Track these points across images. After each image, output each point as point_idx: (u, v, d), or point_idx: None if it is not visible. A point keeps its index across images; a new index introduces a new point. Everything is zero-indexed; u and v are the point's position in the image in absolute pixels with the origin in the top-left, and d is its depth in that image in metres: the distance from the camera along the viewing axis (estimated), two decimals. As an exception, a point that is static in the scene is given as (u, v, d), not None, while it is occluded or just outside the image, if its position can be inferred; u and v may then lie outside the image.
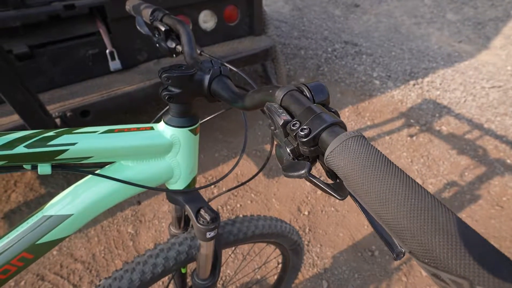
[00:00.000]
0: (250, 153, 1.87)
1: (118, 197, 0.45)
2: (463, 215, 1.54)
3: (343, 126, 0.26)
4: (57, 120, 1.21)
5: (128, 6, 0.65)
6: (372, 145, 0.23)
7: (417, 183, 0.21)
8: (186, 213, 0.61)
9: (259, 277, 1.29)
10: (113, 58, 1.41)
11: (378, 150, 0.23)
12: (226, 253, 1.35)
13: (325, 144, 0.25)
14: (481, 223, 1.50)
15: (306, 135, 0.26)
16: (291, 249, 0.89)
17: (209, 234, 0.51)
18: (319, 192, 1.64)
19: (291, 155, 0.28)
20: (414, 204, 0.19)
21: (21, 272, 1.29)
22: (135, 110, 2.13)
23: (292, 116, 0.29)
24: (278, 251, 0.95)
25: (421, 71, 2.63)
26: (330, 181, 0.28)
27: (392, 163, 0.22)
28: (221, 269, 1.31)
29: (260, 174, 1.74)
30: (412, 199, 0.19)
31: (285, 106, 0.30)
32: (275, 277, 1.08)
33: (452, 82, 2.50)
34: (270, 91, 0.32)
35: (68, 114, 1.23)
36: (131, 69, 1.50)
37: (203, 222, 0.50)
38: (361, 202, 0.22)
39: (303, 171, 0.25)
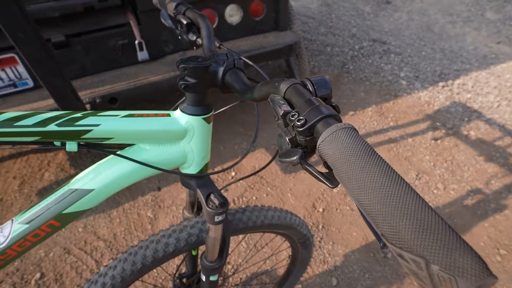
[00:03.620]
0: (269, 147, 1.89)
1: (136, 177, 0.49)
2: (485, 224, 1.48)
3: (338, 119, 0.28)
4: (88, 106, 1.29)
5: (155, 0, 0.69)
6: (361, 137, 0.25)
7: (397, 174, 0.22)
8: (197, 197, 0.64)
9: (269, 268, 1.32)
10: (141, 49, 1.48)
11: (366, 142, 0.24)
12: (239, 243, 1.39)
13: (318, 134, 0.27)
14: (505, 234, 1.43)
15: (302, 125, 0.28)
16: (300, 242, 0.90)
17: (217, 218, 0.54)
18: (336, 190, 1.64)
19: (289, 144, 0.30)
20: (388, 191, 0.21)
21: (51, 245, 1.40)
22: (160, 100, 2.20)
23: (293, 108, 0.31)
24: (288, 244, 0.97)
25: (452, 72, 2.52)
26: (326, 171, 0.30)
27: (377, 154, 0.23)
28: (235, 258, 1.35)
29: (278, 169, 1.76)
30: (388, 186, 0.21)
31: (288, 98, 0.32)
32: (285, 269, 1.10)
33: (486, 85, 2.38)
34: (276, 83, 0.34)
35: (98, 100, 1.30)
36: (157, 60, 1.56)
37: (212, 206, 0.53)
38: (346, 189, 0.24)
39: (295, 158, 0.27)
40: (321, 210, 1.55)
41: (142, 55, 1.50)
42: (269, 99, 0.34)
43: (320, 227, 1.48)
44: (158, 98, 2.19)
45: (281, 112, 0.30)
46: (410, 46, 2.87)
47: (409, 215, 0.19)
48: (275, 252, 1.35)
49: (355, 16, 3.47)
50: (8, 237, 0.45)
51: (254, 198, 1.62)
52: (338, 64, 2.65)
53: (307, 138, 0.28)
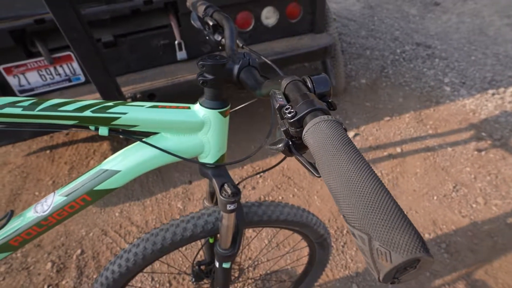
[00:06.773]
0: (298, 149, 1.89)
1: (157, 163, 0.54)
2: (531, 246, 1.35)
3: (326, 112, 0.29)
4: (129, 100, 1.41)
5: (188, 3, 0.74)
6: (341, 129, 0.26)
7: (364, 162, 0.24)
8: (213, 186, 0.68)
9: (288, 266, 1.33)
10: (180, 49, 1.57)
11: (344, 134, 0.26)
12: (262, 241, 1.42)
13: (306, 125, 0.29)
14: (553, 257, 1.30)
15: (292, 117, 0.30)
16: (317, 242, 0.91)
17: (229, 207, 0.57)
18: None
19: (283, 135, 0.33)
20: (351, 176, 0.22)
21: (91, 225, 1.54)
22: (197, 97, 2.30)
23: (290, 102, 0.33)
24: (306, 243, 0.98)
25: (505, 79, 2.33)
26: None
27: (352, 145, 0.25)
28: (256, 254, 1.38)
29: (306, 171, 1.76)
30: (351, 172, 0.23)
31: (287, 94, 0.34)
32: (303, 268, 1.11)
33: (545, 94, 2.16)
34: (279, 80, 0.37)
35: (138, 95, 1.41)
36: (195, 59, 1.65)
37: (225, 195, 0.56)
38: (321, 175, 0.26)
39: (280, 145, 0.30)
40: (346, 215, 1.52)
41: (181, 54, 1.60)
42: (269, 94, 0.36)
43: (345, 232, 1.46)
44: (194, 95, 2.29)
45: (277, 106, 0.33)
46: (458, 51, 2.69)
47: (364, 197, 0.21)
48: (291, 249, 1.36)
49: (399, 19, 3.33)
50: (50, 206, 0.53)
51: (280, 197, 1.64)
52: (377, 68, 2.57)
53: (298, 130, 0.30)
